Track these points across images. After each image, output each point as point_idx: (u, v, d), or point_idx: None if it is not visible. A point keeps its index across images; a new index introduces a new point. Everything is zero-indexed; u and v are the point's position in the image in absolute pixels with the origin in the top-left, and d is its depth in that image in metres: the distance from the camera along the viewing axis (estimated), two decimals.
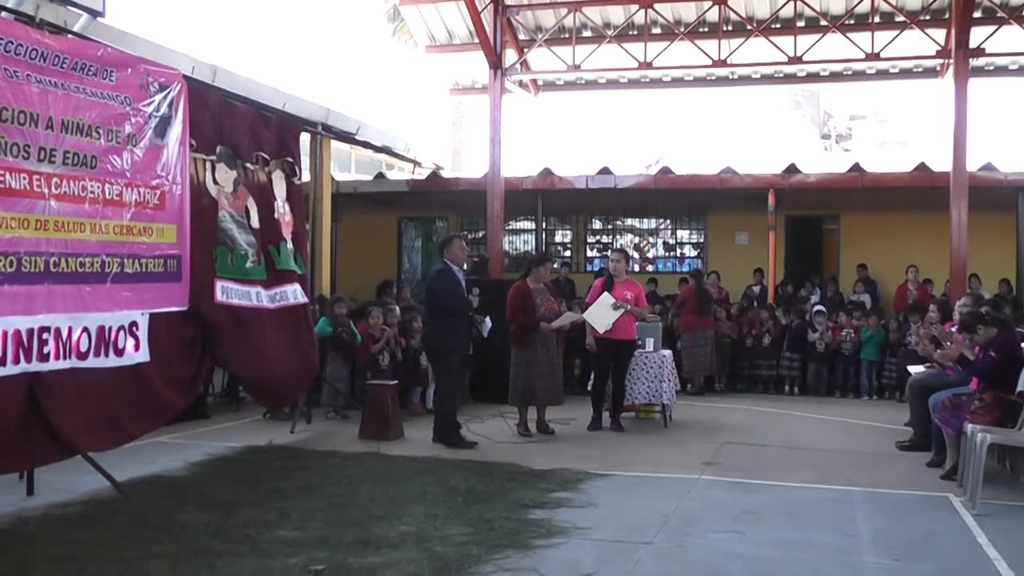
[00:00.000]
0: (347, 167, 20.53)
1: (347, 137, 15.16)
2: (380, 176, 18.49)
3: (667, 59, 14.61)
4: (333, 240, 19.26)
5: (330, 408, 10.92)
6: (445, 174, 18.68)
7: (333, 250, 19.11)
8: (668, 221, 18.32)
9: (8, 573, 4.90)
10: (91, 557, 5.15)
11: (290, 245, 9.57)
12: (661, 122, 27.95)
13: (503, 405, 10.18)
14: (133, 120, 7.27)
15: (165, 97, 7.61)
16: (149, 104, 7.44)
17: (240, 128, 8.77)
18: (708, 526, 6.11)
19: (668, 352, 10.87)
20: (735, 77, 15.55)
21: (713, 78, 15.64)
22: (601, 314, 9.86)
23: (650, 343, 10.64)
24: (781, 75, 15.54)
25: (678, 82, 16.06)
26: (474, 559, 5.25)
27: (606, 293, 9.91)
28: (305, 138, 13.75)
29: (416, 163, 19.05)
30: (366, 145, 16.56)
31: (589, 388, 10.46)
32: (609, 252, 11.39)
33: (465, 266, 9.22)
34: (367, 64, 23.92)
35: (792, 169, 15.09)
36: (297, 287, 9.57)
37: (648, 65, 14.48)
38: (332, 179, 17.26)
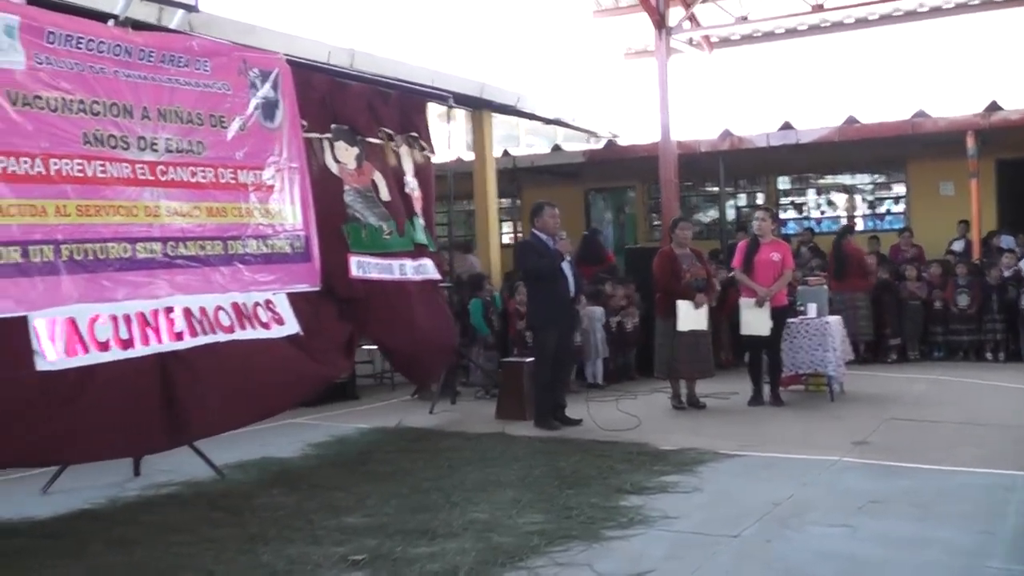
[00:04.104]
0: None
1: (508, 109, 14.94)
2: (556, 148, 18.15)
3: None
4: (514, 215, 19.18)
5: (479, 388, 10.77)
6: (621, 142, 18.10)
7: (513, 225, 19.04)
8: (866, 175, 16.89)
9: (64, 554, 4.99)
10: (146, 540, 5.16)
11: (421, 220, 9.42)
12: (854, 71, 25.37)
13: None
14: (236, 106, 7.26)
15: (266, 81, 7.57)
16: (251, 89, 7.42)
17: (354, 106, 8.63)
18: (818, 517, 5.36)
19: (834, 318, 9.87)
20: (926, 10, 14.02)
21: (900, 13, 14.18)
22: (755, 322, 9.18)
23: (812, 309, 9.71)
24: (978, 1, 13.82)
25: (862, 23, 14.70)
26: (530, 551, 4.83)
27: (742, 299, 9.29)
28: (462, 114, 13.71)
29: (591, 132, 18.61)
30: (532, 117, 16.29)
31: (746, 360, 9.74)
32: (755, 212, 10.52)
33: (563, 234, 8.69)
34: (535, 34, 23.60)
35: (993, 107, 13.36)
36: (431, 262, 9.42)
37: (821, 8, 13.32)
38: (508, 154, 17.14)
